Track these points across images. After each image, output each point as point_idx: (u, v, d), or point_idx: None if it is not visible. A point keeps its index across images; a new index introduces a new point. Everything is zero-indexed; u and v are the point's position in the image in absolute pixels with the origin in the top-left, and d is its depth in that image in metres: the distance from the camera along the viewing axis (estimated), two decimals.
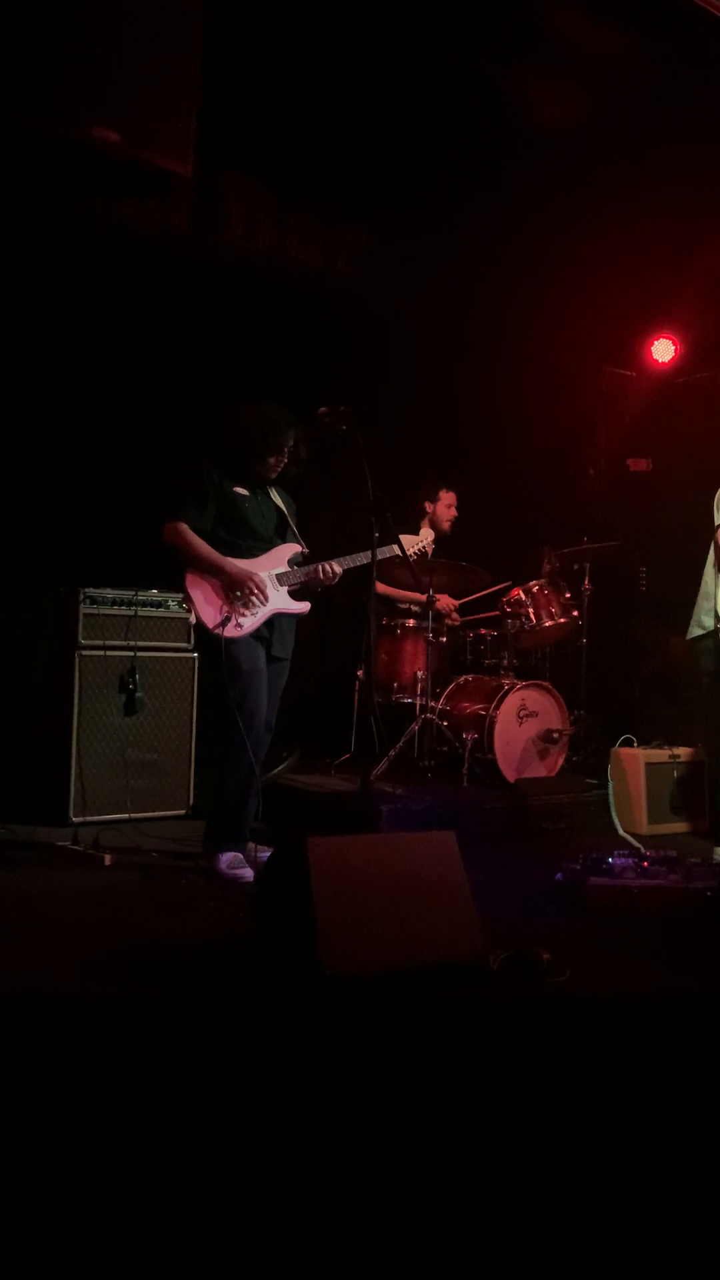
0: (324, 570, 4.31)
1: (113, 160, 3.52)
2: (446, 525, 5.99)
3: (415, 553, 4.91)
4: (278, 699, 4.38)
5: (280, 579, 4.29)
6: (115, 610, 5.09)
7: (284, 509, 4.44)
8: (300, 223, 6.30)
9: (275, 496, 4.44)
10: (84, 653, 4.98)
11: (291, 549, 4.40)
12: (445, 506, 6.03)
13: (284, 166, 6.00)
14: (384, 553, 4.35)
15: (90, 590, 5.04)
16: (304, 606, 4.37)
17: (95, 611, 5.04)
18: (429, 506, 6.03)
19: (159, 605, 5.23)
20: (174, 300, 5.63)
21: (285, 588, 4.30)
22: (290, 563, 4.35)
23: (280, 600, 4.29)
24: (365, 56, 5.40)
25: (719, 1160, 2.08)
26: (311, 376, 5.29)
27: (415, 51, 5.43)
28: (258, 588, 4.17)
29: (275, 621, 4.29)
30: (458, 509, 6.06)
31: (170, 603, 5.26)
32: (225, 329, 5.77)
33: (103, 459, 5.45)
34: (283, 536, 4.41)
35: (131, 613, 5.12)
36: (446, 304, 6.64)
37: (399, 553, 4.44)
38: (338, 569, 4.33)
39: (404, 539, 4.57)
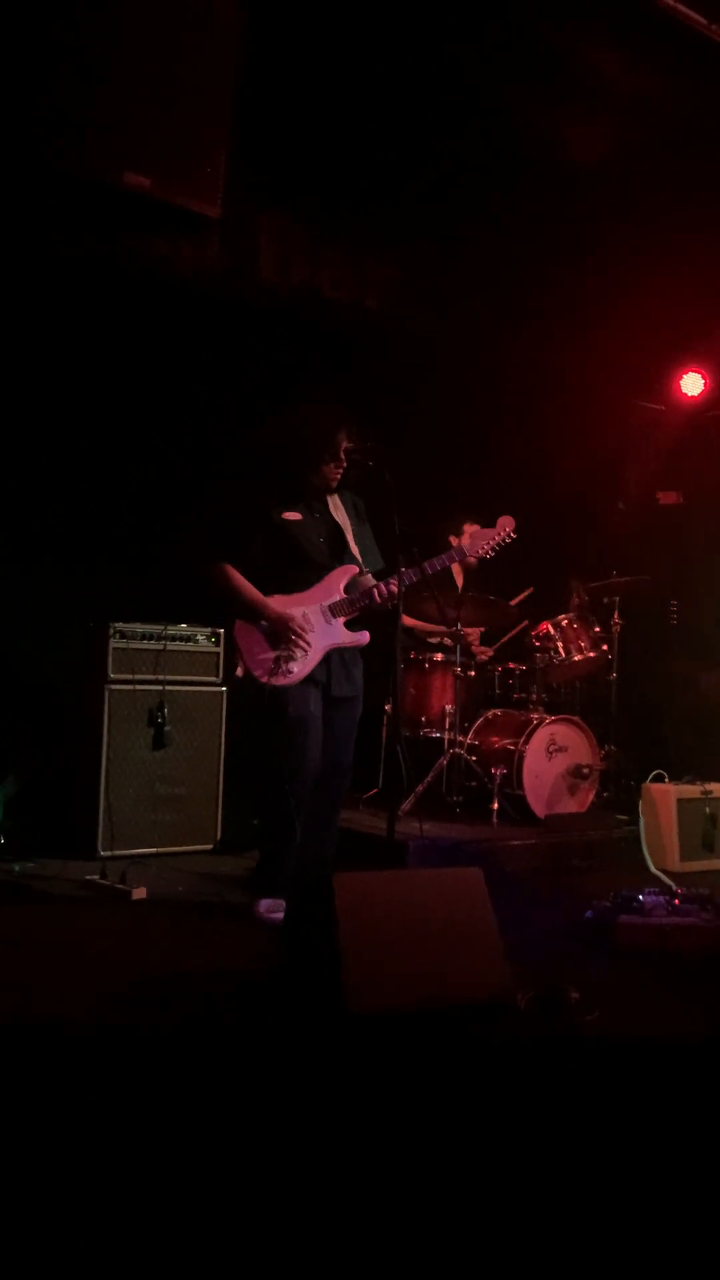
0: (379, 593, 3.95)
1: (144, 202, 3.58)
2: (473, 559, 5.98)
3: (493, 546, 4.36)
4: (351, 738, 4.13)
5: (333, 610, 3.99)
6: (145, 644, 5.12)
7: (346, 521, 4.12)
8: (332, 259, 6.36)
9: (337, 507, 4.14)
10: (113, 687, 5.01)
11: (347, 573, 4.06)
12: (471, 540, 6.01)
13: (316, 204, 6.08)
14: (442, 560, 4.13)
15: (120, 624, 5.08)
16: (362, 637, 4.05)
17: (125, 645, 5.07)
18: (454, 540, 6.02)
19: (188, 639, 5.25)
20: (207, 336, 5.70)
21: (339, 619, 4.00)
22: (346, 589, 4.04)
23: (333, 635, 3.99)
24: (396, 94, 5.48)
25: None
26: (343, 420, 5.32)
27: (445, 89, 5.51)
28: (299, 631, 3.90)
29: (331, 658, 4.01)
30: None
31: (199, 637, 5.28)
32: (257, 364, 5.82)
33: (135, 493, 5.51)
34: (339, 559, 4.08)
35: (161, 647, 5.14)
36: (476, 338, 6.68)
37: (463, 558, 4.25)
38: (394, 588, 3.90)
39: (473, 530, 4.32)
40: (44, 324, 5.17)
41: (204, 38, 3.52)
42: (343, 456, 3.99)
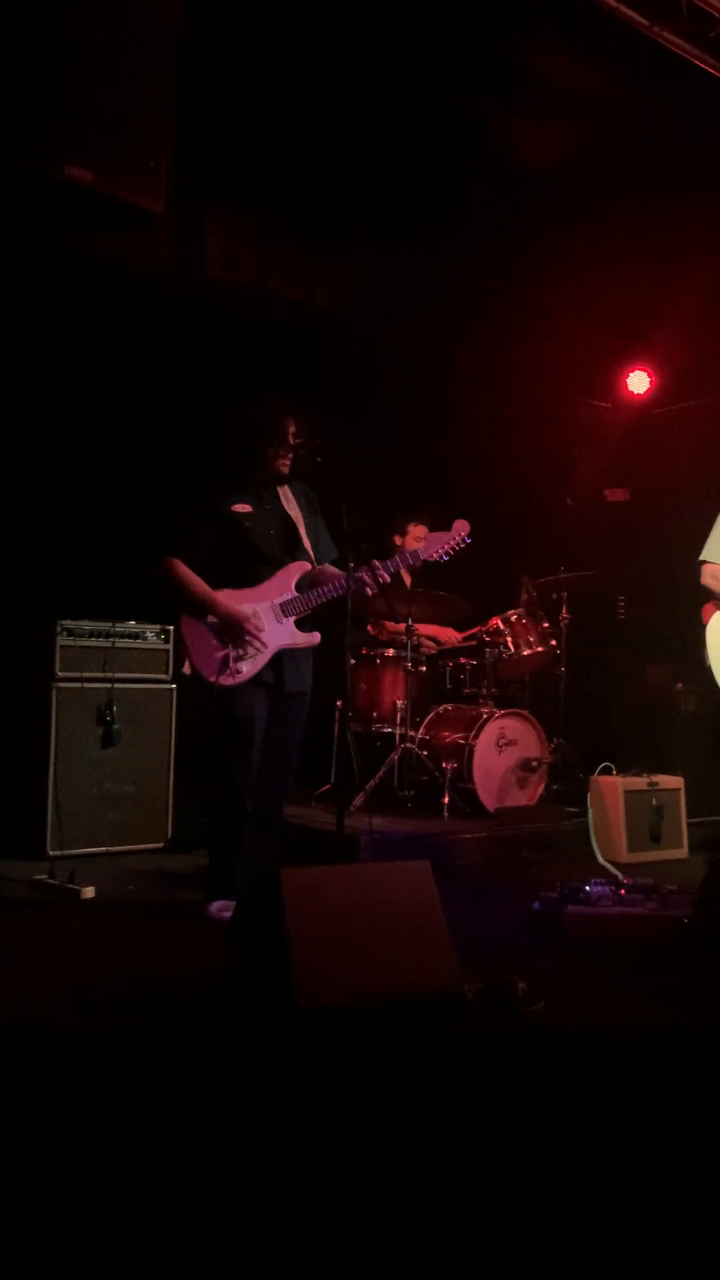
0: (336, 589, 3.89)
1: (87, 197, 3.56)
2: (428, 560, 6.00)
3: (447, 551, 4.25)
4: (297, 736, 4.10)
5: (285, 609, 3.93)
6: (93, 642, 5.08)
7: (298, 513, 4.07)
8: (282, 257, 6.37)
9: (289, 499, 4.08)
10: (61, 685, 4.97)
11: (300, 569, 4.00)
12: (415, 540, 6.02)
13: (266, 201, 6.08)
14: (395, 563, 4.06)
15: (67, 622, 5.03)
16: (312, 639, 4.00)
17: (72, 643, 5.03)
18: (398, 540, 6.04)
19: (137, 637, 5.23)
20: (156, 332, 5.68)
21: (290, 618, 3.95)
22: (298, 586, 3.98)
23: (283, 635, 3.93)
24: (348, 94, 5.48)
25: (690, 1190, 2.07)
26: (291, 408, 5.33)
27: (398, 89, 5.53)
28: (253, 630, 3.85)
29: (281, 656, 3.95)
30: None
31: (148, 634, 5.25)
32: (206, 361, 5.81)
33: (82, 490, 5.47)
34: (292, 553, 4.02)
35: (109, 644, 5.11)
36: (426, 337, 6.72)
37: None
38: (366, 577, 3.84)
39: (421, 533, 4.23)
40: None
41: (146, 29, 3.50)
42: (291, 443, 3.93)
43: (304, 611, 3.97)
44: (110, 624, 5.14)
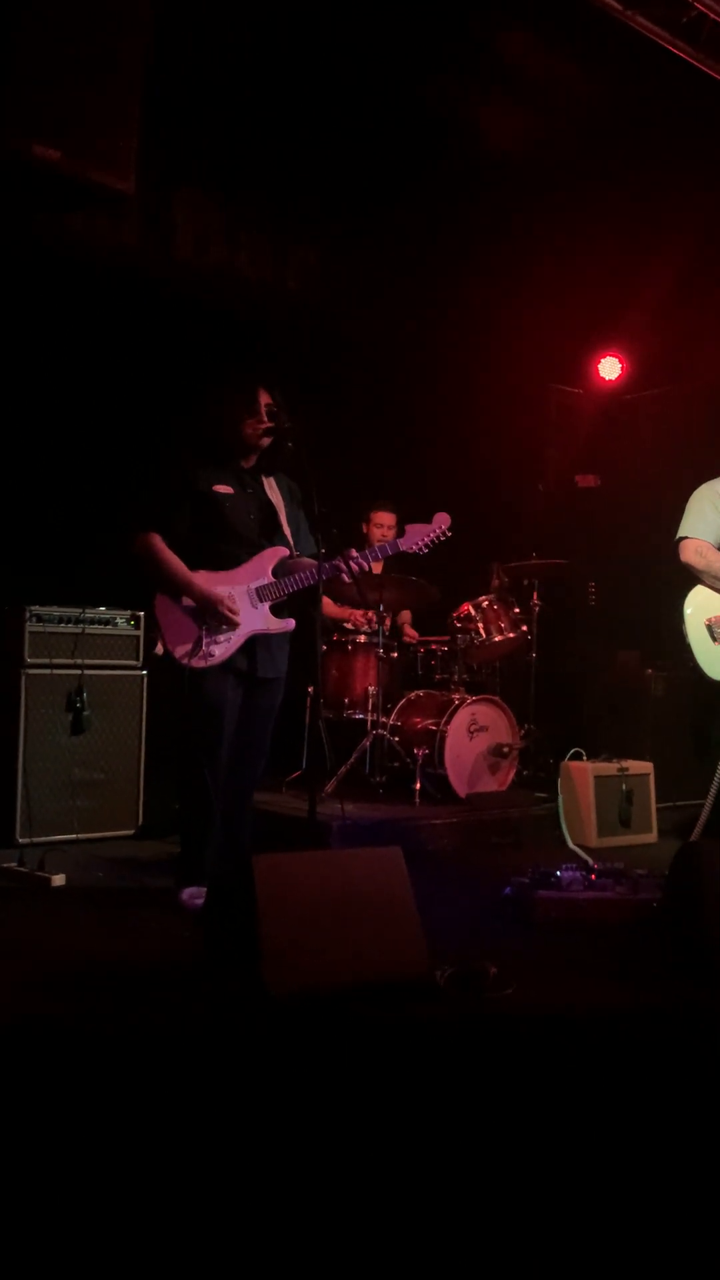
0: (311, 577, 3.82)
1: (55, 178, 3.51)
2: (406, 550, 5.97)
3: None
4: (269, 723, 4.05)
5: (261, 594, 3.88)
6: (62, 628, 5.04)
7: (280, 501, 4.01)
8: (250, 239, 6.33)
9: (272, 488, 4.02)
10: (30, 671, 4.92)
11: (277, 554, 3.94)
12: (377, 528, 6.00)
13: (234, 183, 6.04)
14: (377, 552, 4.06)
15: (36, 608, 4.99)
16: (287, 624, 3.97)
17: (42, 629, 4.99)
18: (364, 528, 6.02)
19: (107, 623, 5.19)
20: (124, 314, 5.62)
21: (265, 604, 3.89)
22: (275, 572, 3.93)
23: (257, 620, 3.88)
24: (318, 77, 5.45)
25: (658, 1171, 2.09)
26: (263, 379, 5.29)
27: (368, 72, 5.50)
28: (228, 611, 3.80)
29: (255, 642, 3.90)
30: (399, 528, 5.98)
31: (118, 620, 5.22)
32: (175, 343, 5.76)
33: (51, 473, 5.42)
34: (270, 538, 3.97)
35: (79, 630, 5.07)
36: (396, 321, 6.70)
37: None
38: (348, 563, 3.78)
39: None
40: None
41: (114, 4, 3.46)
42: (264, 414, 3.86)
43: (279, 597, 3.92)
44: (80, 610, 5.10)
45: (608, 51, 5.31)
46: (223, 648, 3.85)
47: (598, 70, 5.55)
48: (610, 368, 7.52)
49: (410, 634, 6.19)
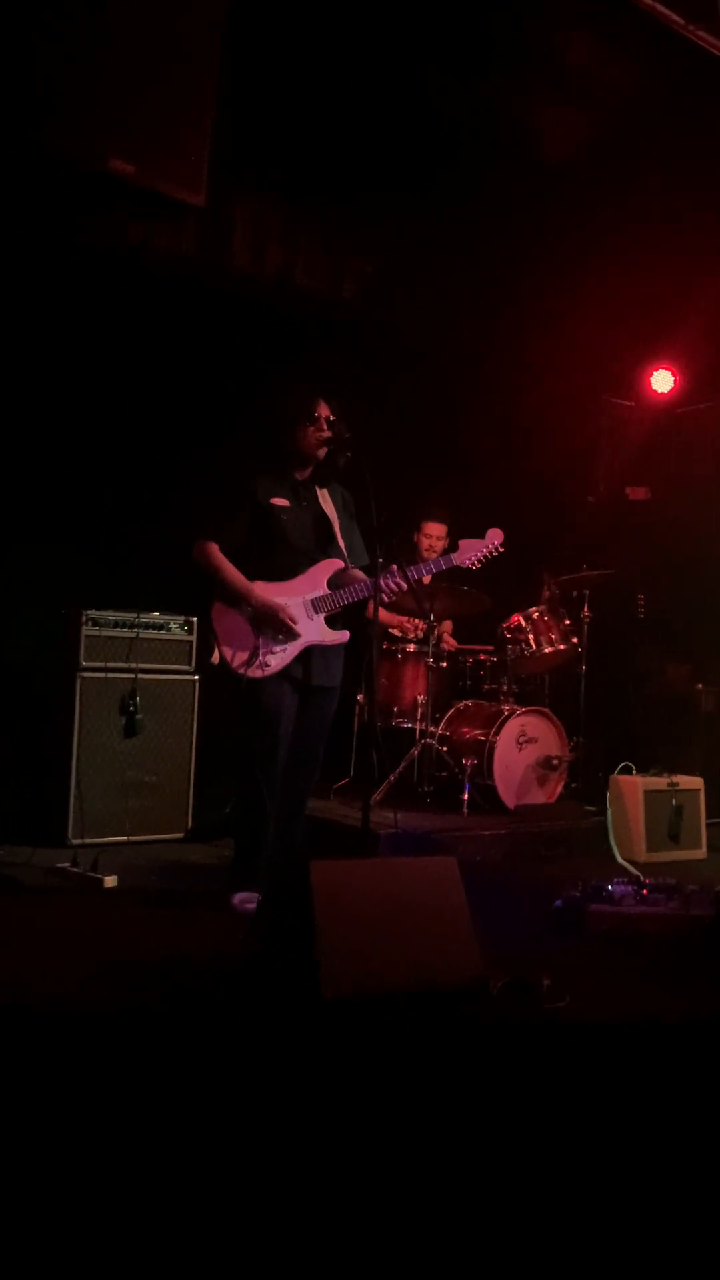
0: (366, 589, 3.85)
1: (122, 188, 3.57)
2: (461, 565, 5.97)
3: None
4: (324, 731, 4.09)
5: (316, 605, 3.92)
6: (117, 632, 5.11)
7: (334, 514, 4.05)
8: (307, 247, 6.36)
9: (326, 500, 4.06)
10: (85, 674, 4.99)
11: (332, 566, 3.98)
12: (427, 539, 6.00)
13: (293, 192, 6.07)
14: (438, 564, 4.13)
15: (92, 612, 5.06)
16: (341, 636, 3.99)
17: (97, 633, 5.06)
18: (415, 537, 6.03)
19: (161, 628, 5.25)
20: (181, 321, 5.68)
21: (320, 615, 3.93)
22: (330, 583, 3.97)
23: (314, 632, 3.91)
24: (377, 85, 5.48)
25: (706, 1181, 2.08)
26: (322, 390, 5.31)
27: (425, 80, 5.52)
28: (288, 619, 3.83)
29: (310, 651, 3.94)
30: (450, 538, 5.97)
31: (172, 625, 5.27)
32: (231, 350, 5.81)
33: (108, 479, 5.49)
34: (325, 550, 4.00)
35: (133, 635, 5.13)
36: (450, 331, 6.70)
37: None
38: (399, 582, 3.82)
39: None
40: (18, 308, 5.13)
41: (190, 23, 3.51)
42: (324, 424, 3.90)
43: (334, 609, 3.96)
44: (135, 614, 5.16)
45: (670, 60, 5.29)
46: (279, 657, 3.88)
47: (659, 78, 5.53)
48: (663, 381, 7.47)
49: (450, 642, 6.19)
